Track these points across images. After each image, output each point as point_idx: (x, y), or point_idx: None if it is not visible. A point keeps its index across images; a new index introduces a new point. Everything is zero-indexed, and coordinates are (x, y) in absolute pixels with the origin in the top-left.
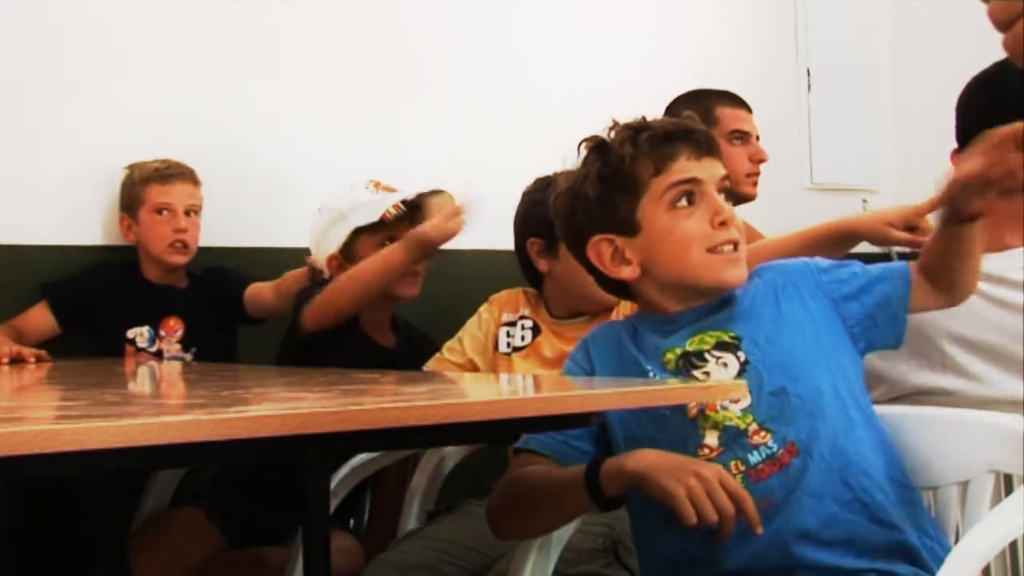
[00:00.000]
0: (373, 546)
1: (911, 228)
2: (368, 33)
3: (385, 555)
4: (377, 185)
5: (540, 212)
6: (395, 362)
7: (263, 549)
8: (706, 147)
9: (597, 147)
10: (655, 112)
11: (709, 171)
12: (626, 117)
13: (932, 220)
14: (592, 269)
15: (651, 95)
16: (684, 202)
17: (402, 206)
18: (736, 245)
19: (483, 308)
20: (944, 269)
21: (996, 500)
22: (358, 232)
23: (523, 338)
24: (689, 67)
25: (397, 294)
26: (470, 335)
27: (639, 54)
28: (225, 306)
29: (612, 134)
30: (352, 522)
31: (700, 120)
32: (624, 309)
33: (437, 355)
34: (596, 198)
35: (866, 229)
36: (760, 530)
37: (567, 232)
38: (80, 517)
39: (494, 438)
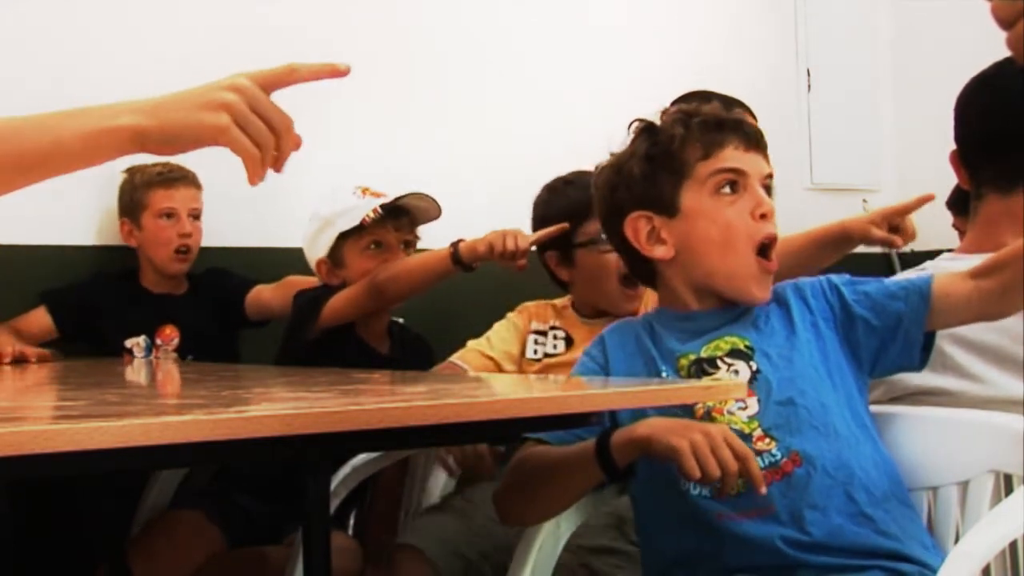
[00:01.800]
0: (372, 546)
1: (895, 228)
2: (368, 34)
3: (416, 522)
4: (365, 191)
5: (550, 223)
6: (391, 368)
7: (263, 549)
8: (755, 142)
9: (646, 128)
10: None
11: (755, 165)
12: (630, 117)
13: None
14: (626, 248)
15: (652, 95)
16: (727, 189)
17: (380, 210)
18: (772, 245)
19: (513, 315)
20: (1018, 271)
21: (996, 500)
22: (343, 237)
23: (555, 347)
24: (690, 67)
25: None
26: (500, 337)
27: (640, 55)
28: (226, 309)
29: (663, 117)
30: (353, 522)
31: None
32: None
33: (464, 349)
34: (641, 175)
35: (856, 230)
36: (764, 490)
37: (606, 208)
38: (80, 517)
39: (494, 438)
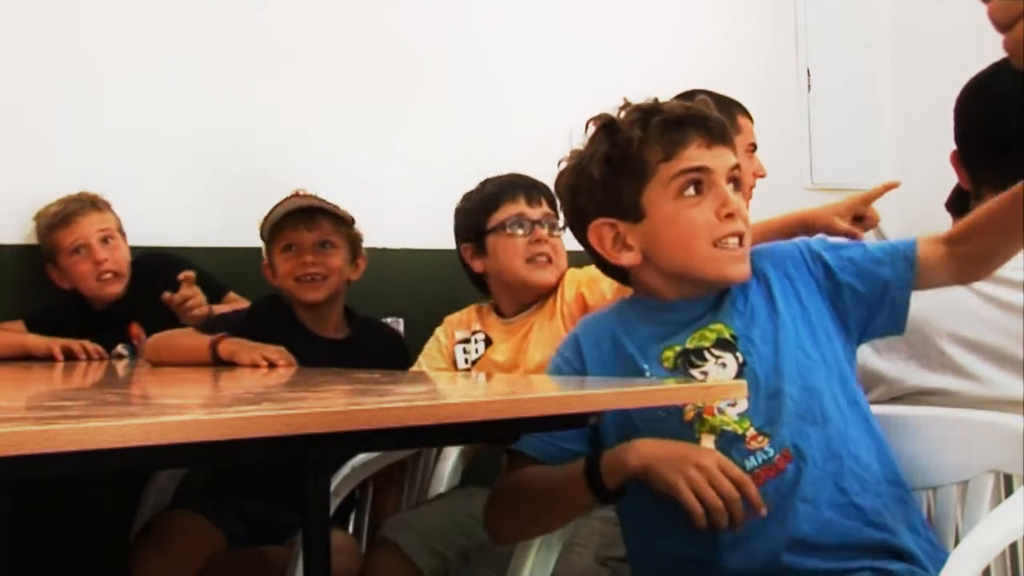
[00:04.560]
0: (369, 546)
1: (858, 218)
2: (368, 34)
3: (400, 516)
4: (296, 193)
5: (463, 219)
6: (345, 353)
7: (264, 549)
8: (719, 135)
9: (606, 126)
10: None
11: (720, 160)
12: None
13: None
14: (592, 252)
15: (651, 95)
16: (691, 191)
17: (275, 214)
18: (741, 239)
19: (438, 331)
20: (991, 236)
21: (996, 500)
22: (269, 243)
23: (477, 351)
24: (690, 67)
25: (299, 297)
26: (428, 357)
27: (640, 55)
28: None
29: (622, 114)
30: (353, 522)
31: None
32: (570, 289)
33: None
34: (601, 179)
35: (818, 221)
36: (764, 511)
37: (569, 211)
38: (80, 517)
39: (494, 438)
